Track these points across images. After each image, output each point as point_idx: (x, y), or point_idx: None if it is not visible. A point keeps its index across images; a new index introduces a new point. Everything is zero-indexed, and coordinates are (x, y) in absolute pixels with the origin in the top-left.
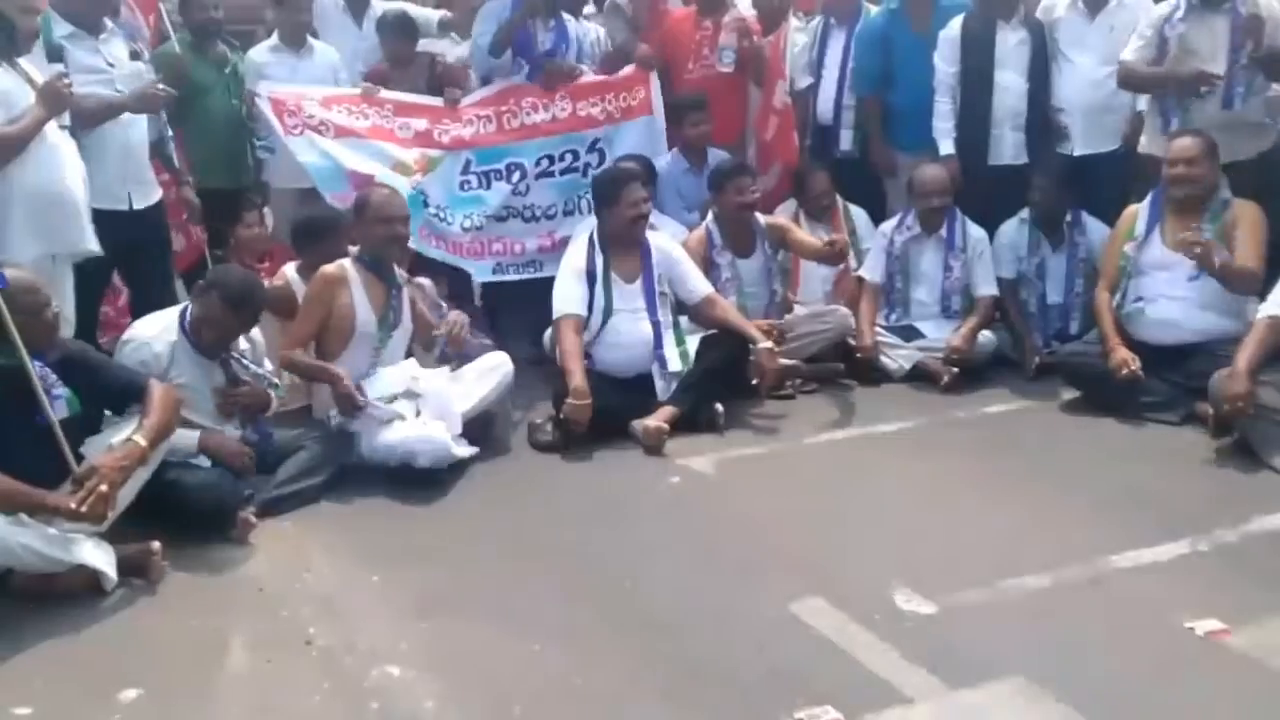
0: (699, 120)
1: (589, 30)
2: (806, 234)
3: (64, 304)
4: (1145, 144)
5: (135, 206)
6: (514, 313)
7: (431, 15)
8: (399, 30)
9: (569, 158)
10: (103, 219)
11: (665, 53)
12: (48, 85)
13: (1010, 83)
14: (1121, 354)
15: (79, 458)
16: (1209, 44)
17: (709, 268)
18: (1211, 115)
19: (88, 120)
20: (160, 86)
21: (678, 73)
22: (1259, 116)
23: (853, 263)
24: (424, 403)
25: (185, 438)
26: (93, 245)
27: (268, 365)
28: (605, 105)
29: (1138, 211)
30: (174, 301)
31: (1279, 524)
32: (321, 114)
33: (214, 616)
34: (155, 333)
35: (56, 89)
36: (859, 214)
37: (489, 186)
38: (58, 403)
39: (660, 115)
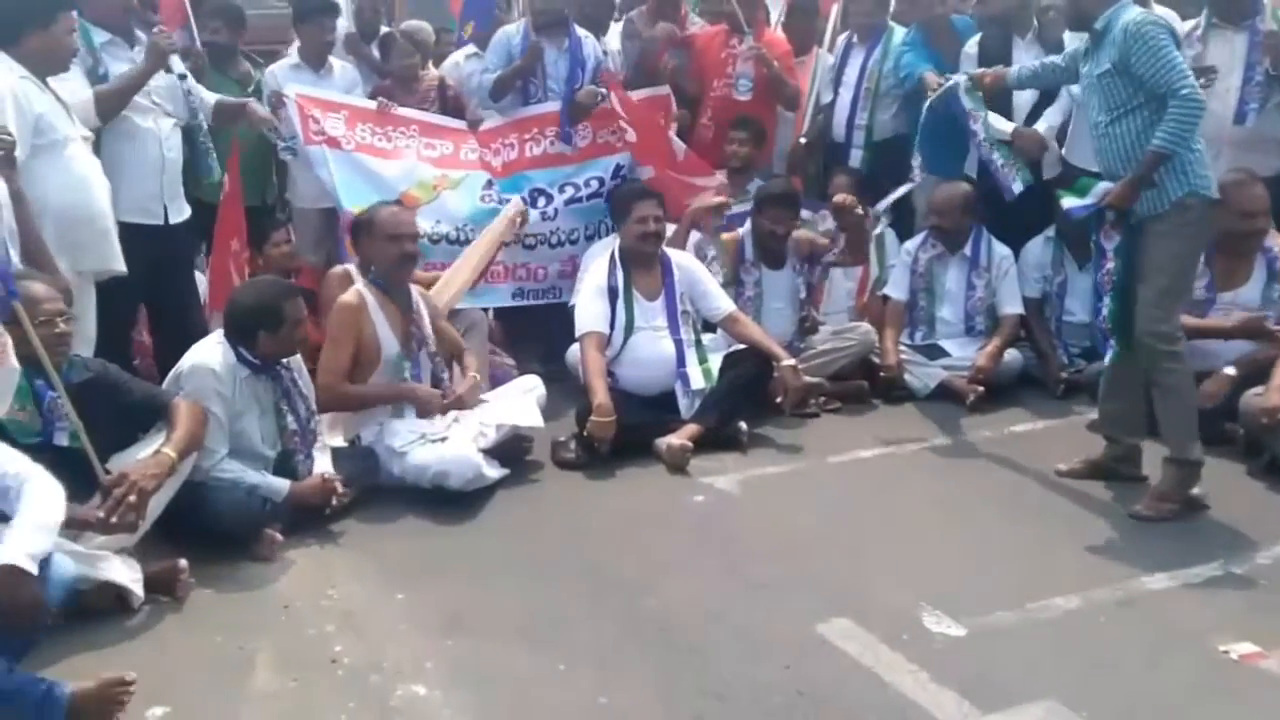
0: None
1: (606, 48)
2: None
3: (86, 322)
4: None
5: (170, 221)
6: (523, 332)
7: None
8: (402, 47)
9: (595, 184)
10: (137, 233)
11: (692, 72)
12: (152, 41)
13: (1027, 101)
14: None
15: (107, 474)
16: (1227, 60)
17: (735, 281)
18: (1228, 132)
19: (115, 103)
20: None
21: (704, 91)
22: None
23: (874, 268)
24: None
25: (275, 483)
26: (120, 264)
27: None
28: (624, 133)
29: None
30: (203, 318)
31: None
32: (344, 130)
33: (240, 634)
34: (215, 360)
35: (159, 44)
36: (886, 231)
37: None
38: (60, 433)
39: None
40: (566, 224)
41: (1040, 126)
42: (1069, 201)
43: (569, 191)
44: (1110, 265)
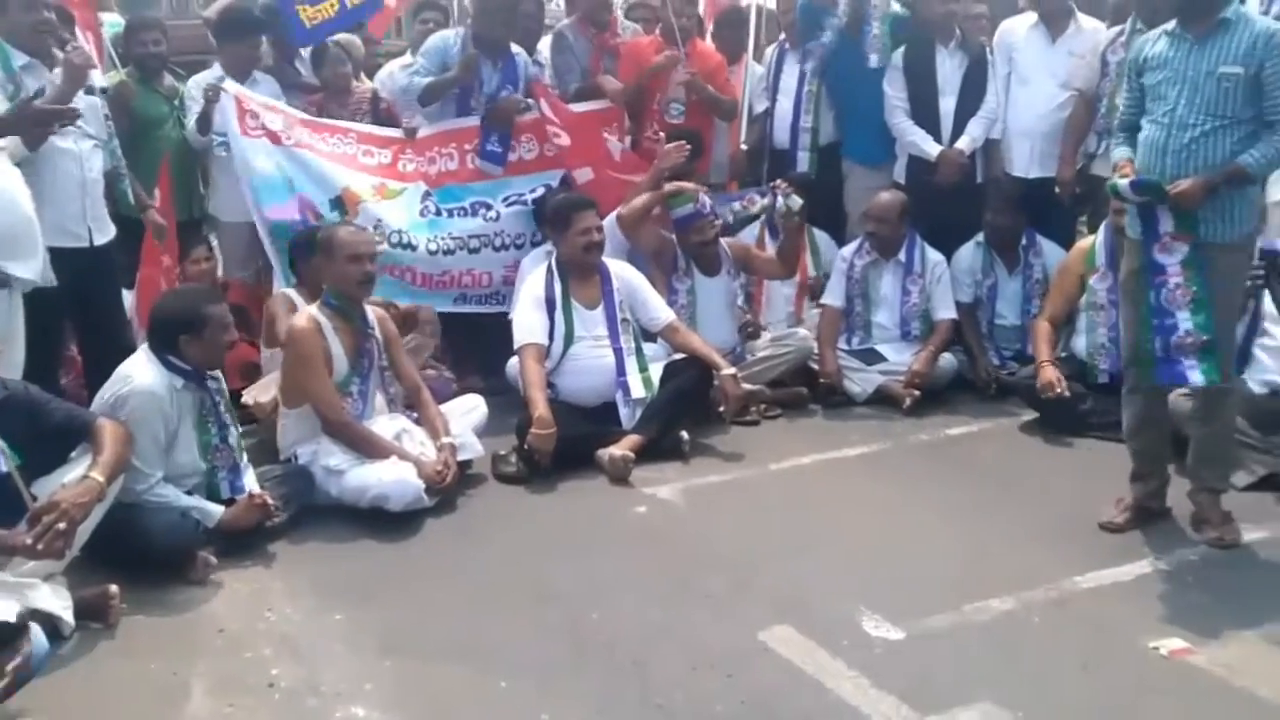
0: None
1: (542, 69)
2: (768, 253)
3: (13, 344)
4: (1097, 167)
5: (96, 243)
6: (462, 346)
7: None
8: (335, 55)
9: (541, 189)
10: (63, 257)
11: (622, 79)
12: (66, 59)
13: (951, 108)
14: (1048, 374)
15: (33, 499)
16: None
17: (667, 290)
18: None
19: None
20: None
21: (645, 104)
22: None
23: (810, 270)
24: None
25: (209, 507)
26: (51, 275)
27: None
28: (558, 137)
29: (1091, 246)
30: (132, 335)
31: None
32: (283, 127)
33: (174, 660)
34: (152, 378)
35: (73, 60)
36: (822, 237)
37: (452, 218)
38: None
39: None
40: (512, 227)
41: (963, 142)
42: (1125, 181)
43: (511, 199)
44: (1177, 279)
